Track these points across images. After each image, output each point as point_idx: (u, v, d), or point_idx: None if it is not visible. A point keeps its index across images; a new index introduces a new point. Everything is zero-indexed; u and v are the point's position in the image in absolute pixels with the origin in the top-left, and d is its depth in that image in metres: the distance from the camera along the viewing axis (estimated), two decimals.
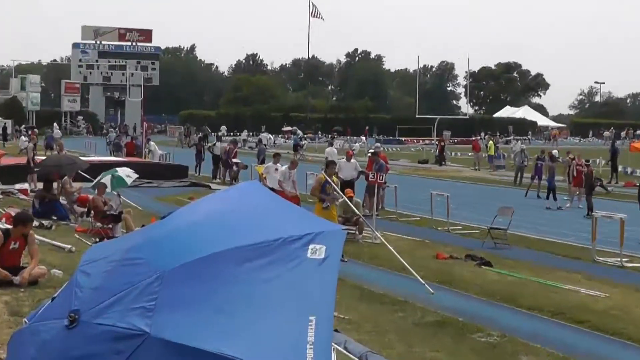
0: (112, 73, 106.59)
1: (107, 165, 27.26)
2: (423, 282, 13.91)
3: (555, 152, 37.60)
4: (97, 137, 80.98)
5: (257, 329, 5.11)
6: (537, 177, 31.86)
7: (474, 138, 72.03)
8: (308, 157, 55.52)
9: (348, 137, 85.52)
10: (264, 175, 24.00)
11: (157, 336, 5.13)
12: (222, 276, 5.44)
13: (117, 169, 22.00)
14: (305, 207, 19.36)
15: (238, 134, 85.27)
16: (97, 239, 17.57)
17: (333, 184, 17.03)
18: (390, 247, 15.56)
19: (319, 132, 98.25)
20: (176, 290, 5.37)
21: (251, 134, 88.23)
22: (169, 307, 5.26)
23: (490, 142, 51.63)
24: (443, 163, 53.01)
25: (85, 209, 20.57)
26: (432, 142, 73.30)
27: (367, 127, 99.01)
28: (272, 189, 19.83)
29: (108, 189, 20.18)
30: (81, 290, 5.64)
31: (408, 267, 14.53)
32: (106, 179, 20.51)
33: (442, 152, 53.62)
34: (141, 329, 5.15)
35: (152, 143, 41.78)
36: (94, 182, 21.10)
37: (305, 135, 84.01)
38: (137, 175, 22.39)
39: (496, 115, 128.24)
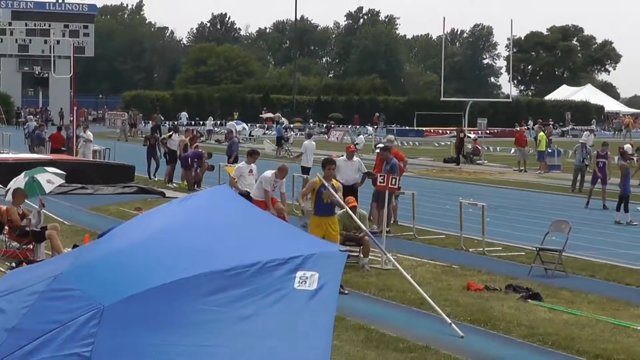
0: (30, 40, 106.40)
1: (24, 165, 27.28)
2: (449, 321, 13.97)
3: (628, 146, 37.78)
4: (10, 127, 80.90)
5: None
6: (600, 180, 31.93)
7: (517, 128, 72.20)
8: (296, 154, 55.51)
9: (350, 127, 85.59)
10: (235, 180, 24.02)
11: None
12: (180, 314, 5.48)
13: (47, 169, 21.99)
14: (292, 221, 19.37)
15: (202, 122, 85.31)
16: (14, 264, 17.57)
17: (332, 190, 16.96)
18: (406, 274, 15.61)
19: (311, 121, 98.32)
20: (119, 332, 5.41)
21: (219, 122, 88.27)
22: (109, 356, 5.30)
23: (541, 133, 51.69)
24: (475, 161, 53.19)
25: None
26: (464, 134, 73.42)
27: (377, 114, 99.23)
28: (248, 198, 19.90)
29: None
30: None
31: (429, 300, 14.59)
32: (22, 182, 20.47)
33: (462, 147, 53.68)
34: None
35: (89, 132, 41.89)
36: (7, 188, 21.11)
37: (291, 125, 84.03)
38: (62, 180, 22.35)
39: (549, 97, 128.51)
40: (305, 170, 32.33)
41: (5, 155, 39.55)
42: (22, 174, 21.21)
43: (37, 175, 21.10)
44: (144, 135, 38.49)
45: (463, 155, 53.17)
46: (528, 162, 49.32)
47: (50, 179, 21.47)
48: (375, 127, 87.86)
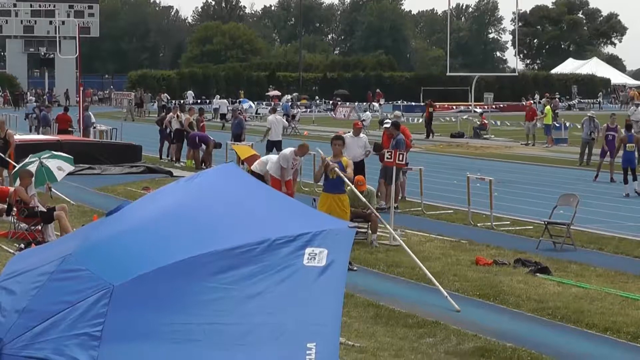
0: (35, 21, 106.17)
1: (31, 146, 27.30)
2: (446, 293, 13.99)
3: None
4: (17, 109, 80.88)
5: None
6: (608, 153, 31.87)
7: (525, 102, 72.15)
8: (303, 132, 55.62)
9: (357, 104, 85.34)
10: (254, 157, 23.48)
11: None
12: (189, 293, 5.48)
13: (51, 152, 21.96)
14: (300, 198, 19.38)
15: (208, 101, 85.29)
16: (22, 245, 17.61)
17: (330, 163, 16.73)
18: (407, 249, 15.63)
19: (317, 98, 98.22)
20: (129, 312, 5.41)
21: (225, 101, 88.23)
22: (120, 335, 5.30)
23: (547, 107, 51.63)
24: (482, 135, 53.30)
25: (5, 205, 20.60)
26: (470, 108, 73.38)
27: (377, 90, 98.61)
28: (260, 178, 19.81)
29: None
30: (3, 314, 5.67)
31: (426, 271, 14.62)
32: (33, 167, 20.50)
33: (431, 122, 54.22)
34: None
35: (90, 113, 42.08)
36: (15, 169, 21.18)
37: (298, 102, 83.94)
38: (72, 167, 22.32)
39: (555, 71, 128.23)
40: (271, 144, 32.70)
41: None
42: (29, 157, 21.18)
43: (45, 161, 21.03)
44: (162, 117, 38.14)
45: (431, 130, 53.70)
46: (537, 136, 49.24)
47: (60, 165, 21.45)
48: (380, 103, 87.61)
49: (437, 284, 14.29)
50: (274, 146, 32.35)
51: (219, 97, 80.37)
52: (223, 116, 64.07)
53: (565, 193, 21.33)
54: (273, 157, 22.75)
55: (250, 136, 38.62)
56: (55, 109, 55.61)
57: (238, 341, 5.27)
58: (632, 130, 30.53)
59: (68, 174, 28.51)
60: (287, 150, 21.39)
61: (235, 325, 5.35)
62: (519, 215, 23.23)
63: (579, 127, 43.79)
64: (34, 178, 20.18)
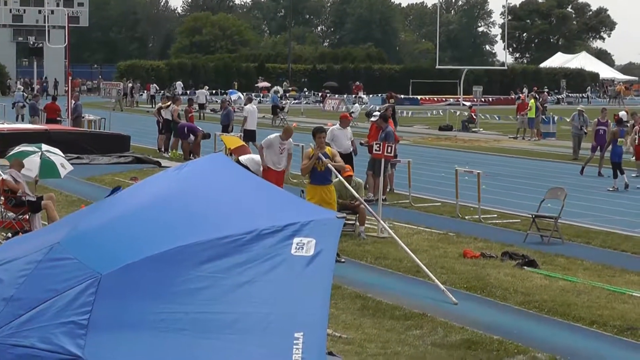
0: (24, 10, 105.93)
1: (19, 136, 27.21)
2: (443, 287, 14.00)
3: (622, 113, 37.73)
4: (7, 98, 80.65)
5: (224, 356, 5.13)
6: (599, 148, 31.87)
7: (513, 96, 72.24)
8: (292, 123, 55.54)
9: (345, 96, 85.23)
10: (242, 148, 23.47)
11: None
12: (176, 282, 5.47)
13: (46, 147, 21.89)
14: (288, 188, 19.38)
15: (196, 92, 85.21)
16: (10, 234, 17.57)
17: (327, 159, 16.86)
18: (400, 242, 15.62)
19: (305, 89, 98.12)
20: (116, 301, 5.40)
21: (214, 91, 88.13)
22: (107, 324, 5.29)
23: (531, 100, 51.68)
24: (471, 129, 53.41)
25: None
26: (459, 101, 73.37)
27: (357, 82, 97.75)
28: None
29: (31, 173, 20.04)
30: None
31: (423, 267, 14.62)
32: (31, 159, 20.39)
33: (394, 115, 54.04)
34: (71, 353, 5.16)
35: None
36: (8, 155, 21.17)
37: (287, 94, 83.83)
38: (71, 167, 22.18)
39: (544, 65, 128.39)
40: (248, 132, 33.36)
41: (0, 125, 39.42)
42: (22, 146, 21.13)
43: (48, 154, 20.88)
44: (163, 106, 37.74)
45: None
46: (527, 130, 49.23)
47: (63, 162, 21.35)
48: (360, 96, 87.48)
49: (434, 278, 14.28)
50: (249, 135, 33.14)
51: (207, 87, 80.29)
52: (202, 106, 63.99)
53: (553, 186, 21.38)
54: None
55: (239, 127, 38.57)
56: (44, 98, 55.45)
57: (225, 330, 5.27)
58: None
59: None
60: (272, 135, 21.41)
61: (222, 314, 5.34)
62: (506, 208, 23.28)
63: (567, 120, 43.85)
64: (37, 170, 20.12)
